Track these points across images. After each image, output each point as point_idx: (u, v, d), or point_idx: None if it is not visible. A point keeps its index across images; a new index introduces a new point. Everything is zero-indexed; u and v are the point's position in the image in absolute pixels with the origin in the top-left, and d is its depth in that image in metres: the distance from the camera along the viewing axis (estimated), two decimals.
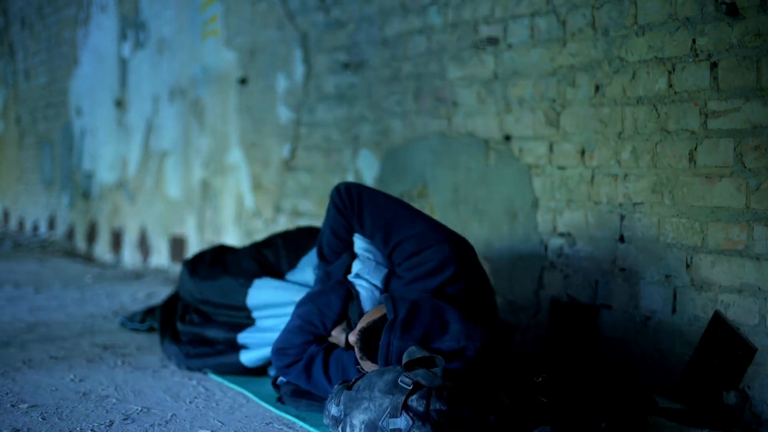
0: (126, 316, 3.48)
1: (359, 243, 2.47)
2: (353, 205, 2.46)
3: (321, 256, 2.56)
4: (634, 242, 2.62)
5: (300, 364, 2.32)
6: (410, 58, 3.53)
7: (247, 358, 2.67)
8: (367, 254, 2.45)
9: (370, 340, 2.11)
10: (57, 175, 7.64)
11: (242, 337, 2.71)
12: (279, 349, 2.37)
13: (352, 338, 2.17)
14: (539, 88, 2.93)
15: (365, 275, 2.40)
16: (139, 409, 2.33)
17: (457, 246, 2.37)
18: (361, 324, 2.16)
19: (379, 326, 2.11)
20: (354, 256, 2.47)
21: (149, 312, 3.41)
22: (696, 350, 2.42)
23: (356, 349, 2.15)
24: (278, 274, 2.84)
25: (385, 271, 2.41)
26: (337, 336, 2.35)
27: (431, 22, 3.41)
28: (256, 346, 2.67)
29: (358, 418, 1.93)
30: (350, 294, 2.36)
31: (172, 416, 2.27)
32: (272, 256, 2.92)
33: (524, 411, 2.05)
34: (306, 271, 2.75)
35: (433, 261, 2.31)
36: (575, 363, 2.79)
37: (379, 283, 2.39)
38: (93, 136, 6.86)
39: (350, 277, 2.41)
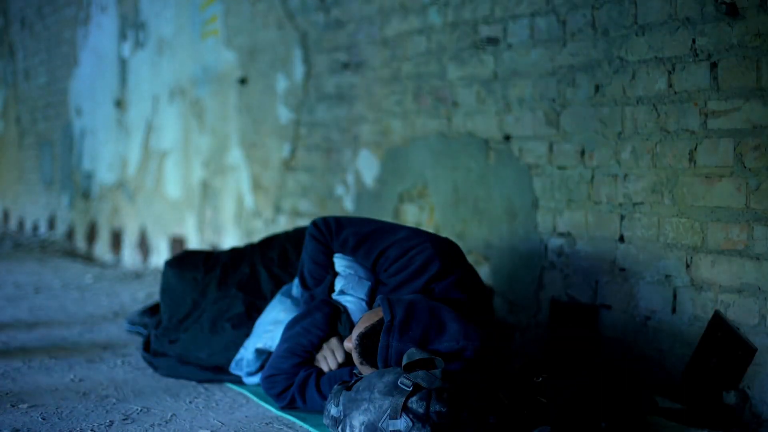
0: (129, 320, 3.43)
1: (340, 261, 2.48)
2: (332, 230, 2.50)
3: (304, 286, 2.56)
4: (634, 242, 2.62)
5: (293, 388, 2.31)
6: (410, 58, 3.53)
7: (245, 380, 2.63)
8: (349, 270, 2.45)
9: (369, 343, 2.11)
10: (57, 175, 7.64)
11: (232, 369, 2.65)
12: (268, 377, 2.34)
13: (351, 344, 2.16)
14: (539, 88, 2.93)
15: (349, 290, 2.40)
16: (139, 409, 2.33)
17: (440, 244, 2.38)
18: (359, 329, 2.15)
19: (378, 329, 2.10)
20: (335, 274, 2.48)
21: (151, 309, 3.37)
22: (696, 350, 2.42)
23: (355, 354, 2.13)
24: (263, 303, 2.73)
25: (368, 284, 2.42)
26: (334, 348, 2.34)
27: (431, 22, 3.41)
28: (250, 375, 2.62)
29: (358, 419, 1.93)
30: (336, 311, 2.36)
31: (172, 416, 2.27)
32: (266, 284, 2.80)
33: (524, 411, 2.05)
34: (276, 306, 2.66)
35: (418, 261, 2.33)
36: (575, 363, 2.79)
37: (364, 296, 2.39)
38: (93, 136, 6.86)
39: (335, 295, 2.41)
